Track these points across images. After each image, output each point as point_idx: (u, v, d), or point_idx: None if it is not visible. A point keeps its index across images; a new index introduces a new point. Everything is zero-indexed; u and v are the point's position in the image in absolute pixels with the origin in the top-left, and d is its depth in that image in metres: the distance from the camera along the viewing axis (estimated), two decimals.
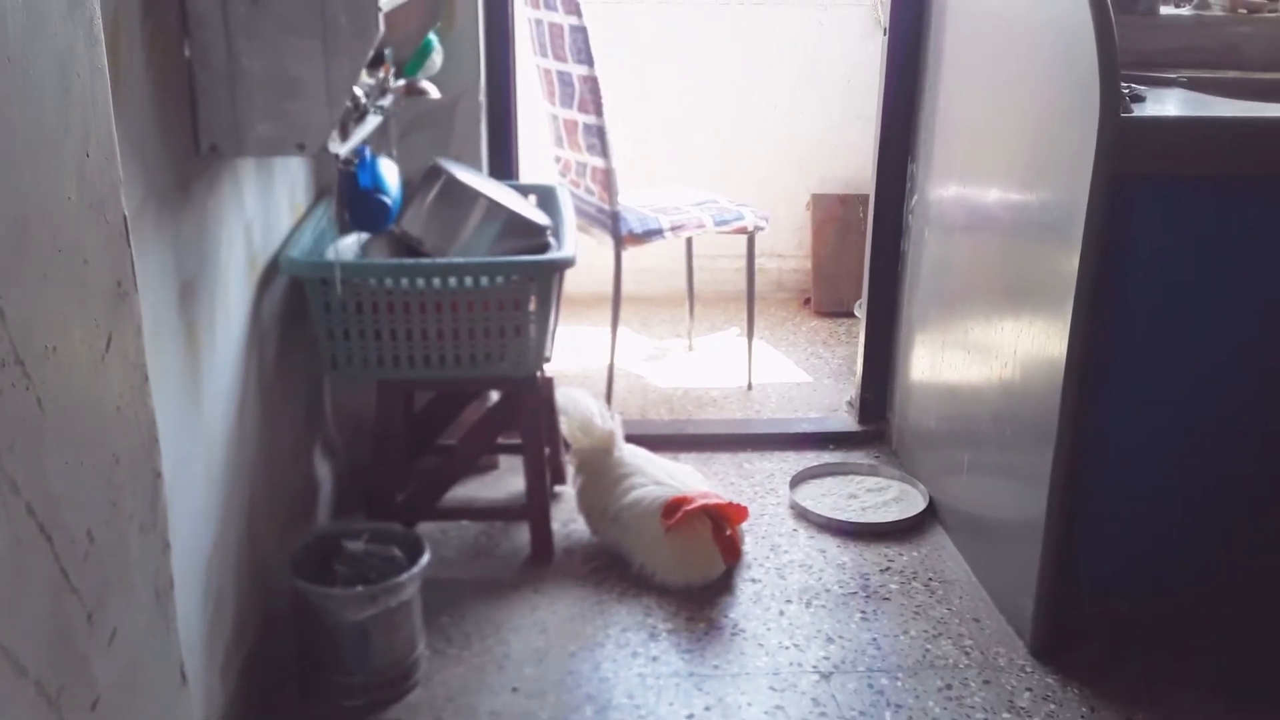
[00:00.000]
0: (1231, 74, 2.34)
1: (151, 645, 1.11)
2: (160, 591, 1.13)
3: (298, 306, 2.18)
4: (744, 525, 2.45)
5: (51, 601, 0.90)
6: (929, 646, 2.16)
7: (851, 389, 3.16)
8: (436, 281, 2.10)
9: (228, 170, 1.81)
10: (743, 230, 3.25)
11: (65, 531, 0.91)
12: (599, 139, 2.98)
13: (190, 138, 1.64)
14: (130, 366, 1.07)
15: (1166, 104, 2.07)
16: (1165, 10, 2.48)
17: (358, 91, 1.82)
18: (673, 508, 2.32)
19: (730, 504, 2.37)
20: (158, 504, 1.12)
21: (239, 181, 1.88)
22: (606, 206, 3.05)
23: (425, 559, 1.98)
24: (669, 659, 2.11)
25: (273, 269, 2.07)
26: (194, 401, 1.64)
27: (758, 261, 3.48)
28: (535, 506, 2.41)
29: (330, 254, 2.11)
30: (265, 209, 2.05)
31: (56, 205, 0.92)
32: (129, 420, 1.06)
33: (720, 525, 2.35)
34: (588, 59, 2.89)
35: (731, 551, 2.38)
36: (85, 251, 0.97)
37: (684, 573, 2.33)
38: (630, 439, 2.54)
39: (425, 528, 2.41)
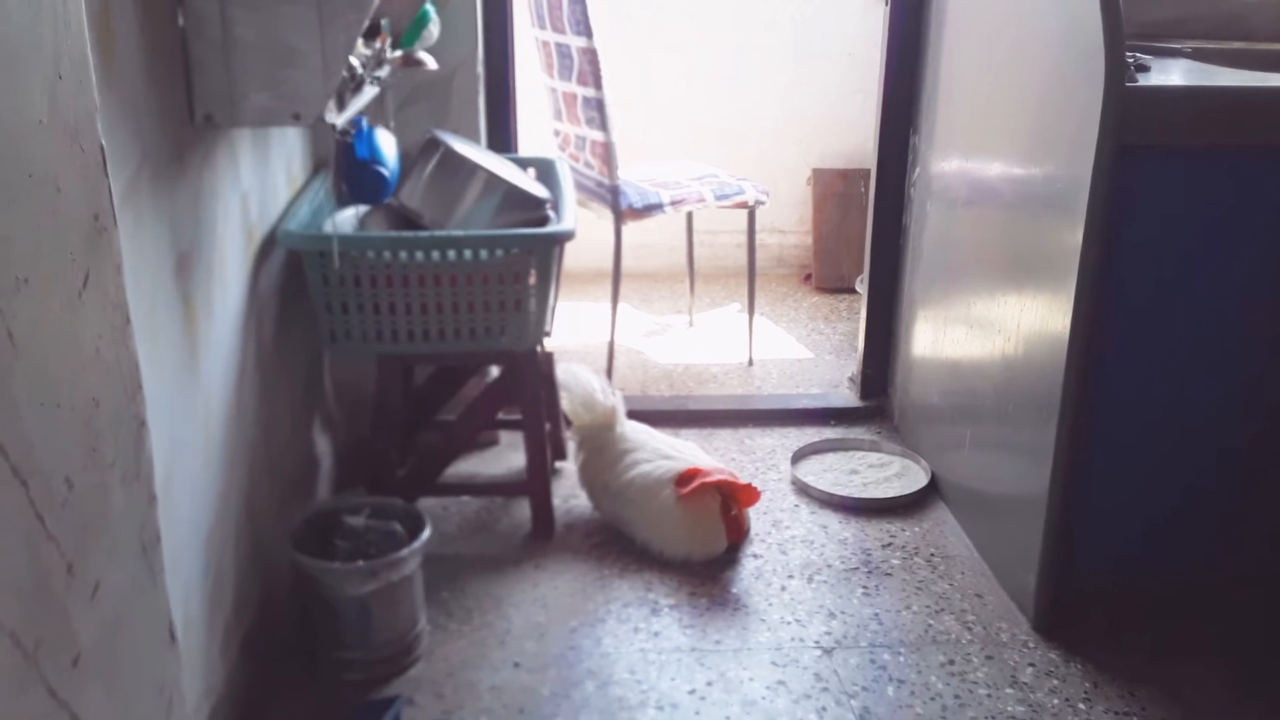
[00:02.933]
0: (1238, 44, 2.32)
1: (138, 600, 1.07)
2: (147, 545, 1.09)
3: (296, 280, 2.16)
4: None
5: (27, 550, 0.86)
6: (931, 622, 2.15)
7: (853, 365, 3.14)
8: (435, 255, 2.08)
9: (224, 141, 1.79)
10: (743, 205, 3.23)
11: (41, 476, 0.88)
12: (598, 112, 2.95)
13: (185, 107, 1.61)
14: (110, 306, 1.02)
15: (1172, 74, 2.05)
16: None
17: (354, 62, 1.80)
18: (687, 478, 2.31)
19: (745, 485, 2.36)
20: (142, 453, 1.08)
21: (235, 152, 1.86)
22: (606, 180, 3.03)
23: (426, 534, 1.97)
24: (670, 634, 2.10)
25: (270, 242, 2.05)
26: (192, 375, 1.63)
27: (758, 237, 3.46)
28: (536, 482, 2.40)
29: (328, 227, 2.10)
30: (262, 181, 2.03)
31: (26, 128, 0.87)
32: (109, 363, 1.02)
33: (729, 504, 2.34)
34: (587, 31, 2.86)
35: (736, 531, 2.37)
36: (58, 179, 0.92)
37: (686, 544, 2.32)
38: (631, 415, 2.53)
39: (426, 503, 2.40)
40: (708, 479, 2.30)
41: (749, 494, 2.36)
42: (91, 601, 0.96)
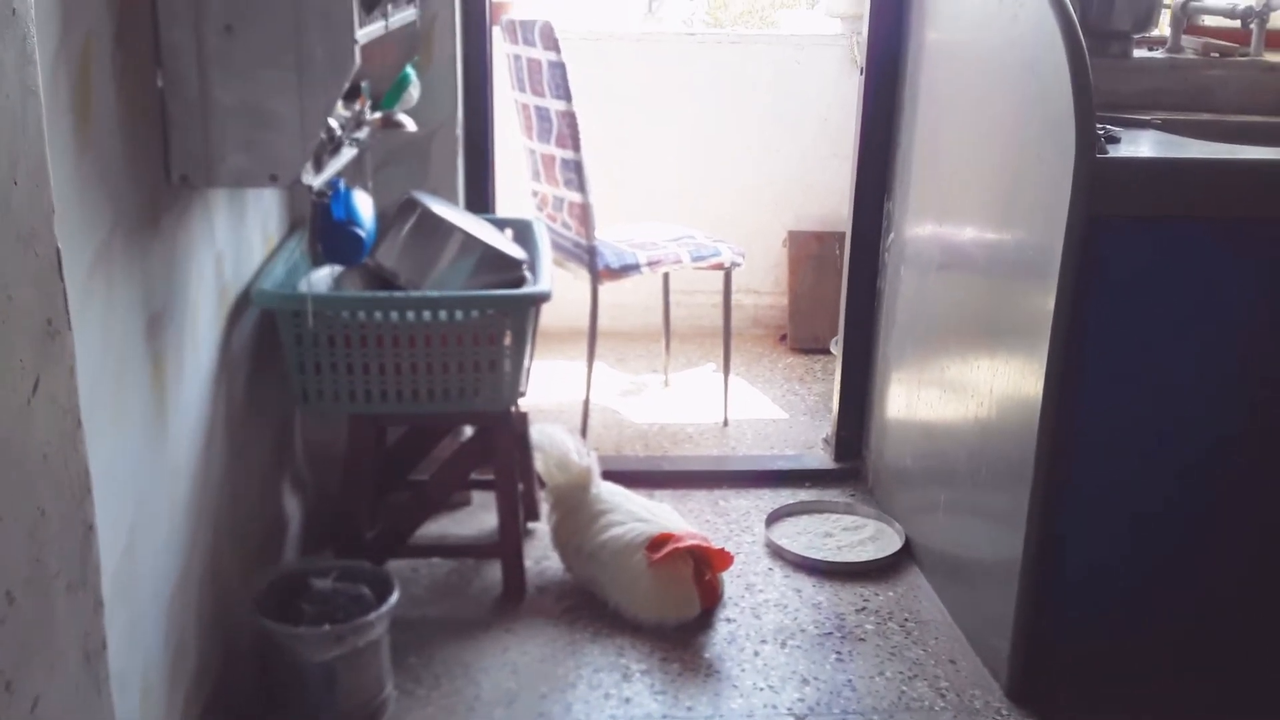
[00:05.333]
0: (1204, 116, 2.36)
1: (80, 710, 1.04)
2: (91, 654, 1.06)
3: (269, 339, 2.15)
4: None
5: None
6: (904, 688, 2.13)
7: (827, 426, 3.15)
8: (410, 315, 2.08)
9: (199, 201, 1.79)
10: (720, 266, 3.25)
11: None
12: (576, 174, 2.97)
13: (161, 168, 1.61)
14: (60, 412, 1.00)
15: (1141, 146, 2.08)
16: (1139, 53, 2.50)
17: (333, 123, 1.81)
18: (659, 543, 2.29)
19: (718, 551, 2.34)
20: (89, 559, 1.06)
21: (210, 212, 1.85)
22: (583, 241, 3.04)
23: (394, 598, 1.95)
24: (642, 700, 2.07)
25: (244, 301, 2.04)
26: (159, 436, 1.61)
27: (734, 297, 3.47)
28: (508, 544, 2.37)
29: (303, 286, 2.09)
30: (237, 240, 2.02)
31: None
32: (57, 470, 1.00)
33: (701, 569, 2.32)
34: (565, 94, 2.89)
35: (709, 597, 2.35)
36: (10, 287, 0.91)
37: (659, 610, 2.29)
38: (605, 475, 2.52)
39: (395, 565, 2.36)
40: (679, 544, 2.28)
41: (722, 559, 2.35)
42: (30, 717, 0.93)
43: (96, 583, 1.08)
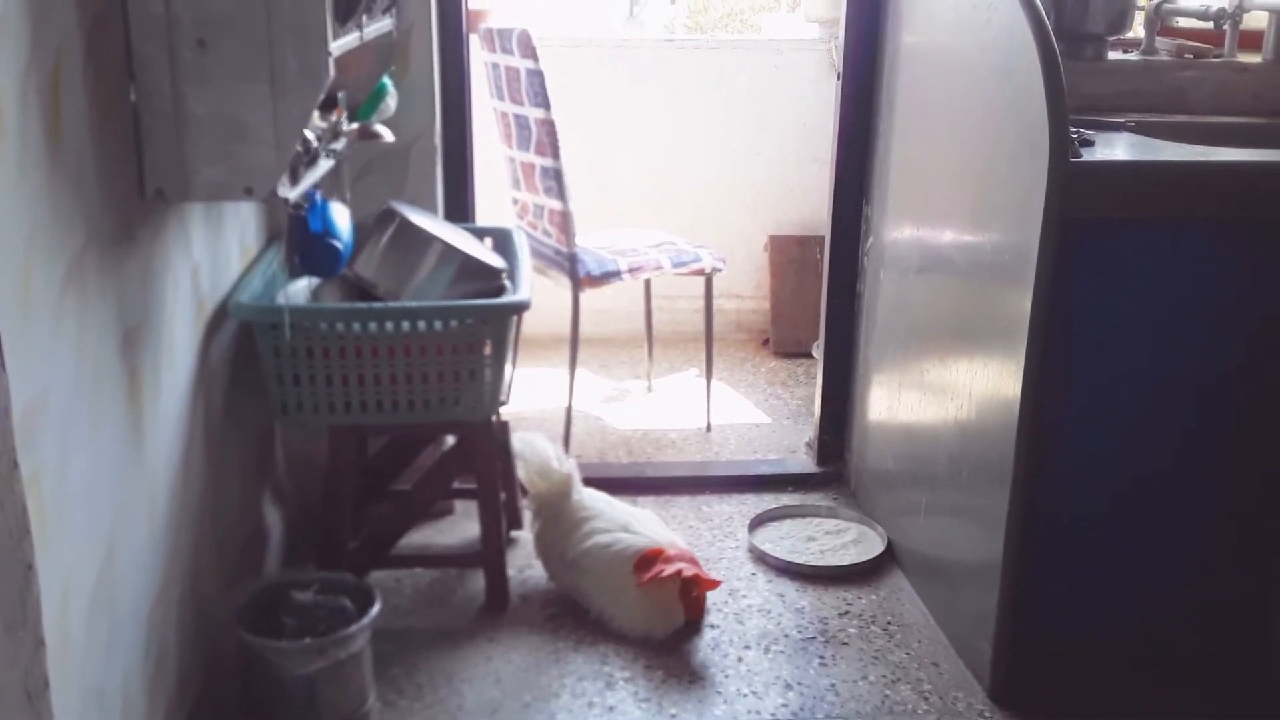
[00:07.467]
0: (1179, 118, 2.38)
1: None
2: (33, 693, 1.05)
3: (248, 352, 2.14)
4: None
5: None
6: (888, 692, 2.14)
7: (810, 430, 3.15)
8: (389, 326, 2.08)
9: (175, 214, 1.78)
10: (701, 272, 3.26)
11: None
12: (556, 181, 2.97)
13: (135, 182, 1.61)
14: None
15: (1115, 148, 2.10)
16: (1113, 55, 2.52)
17: (309, 135, 1.81)
18: (646, 561, 2.28)
19: (706, 579, 2.32)
20: (29, 599, 1.05)
21: (186, 225, 1.85)
22: (564, 248, 3.04)
23: (375, 609, 1.94)
24: (626, 708, 2.07)
25: (221, 314, 2.04)
26: (137, 450, 1.60)
27: (716, 302, 3.48)
28: (490, 553, 2.37)
29: (280, 298, 2.08)
30: (214, 253, 2.02)
31: None
32: None
33: (689, 586, 2.31)
34: (544, 102, 2.89)
35: (695, 610, 2.34)
36: None
37: (644, 623, 2.29)
38: (588, 482, 2.52)
39: (378, 575, 2.36)
40: (667, 571, 2.26)
41: (709, 584, 2.33)
42: None
43: (37, 621, 1.07)
